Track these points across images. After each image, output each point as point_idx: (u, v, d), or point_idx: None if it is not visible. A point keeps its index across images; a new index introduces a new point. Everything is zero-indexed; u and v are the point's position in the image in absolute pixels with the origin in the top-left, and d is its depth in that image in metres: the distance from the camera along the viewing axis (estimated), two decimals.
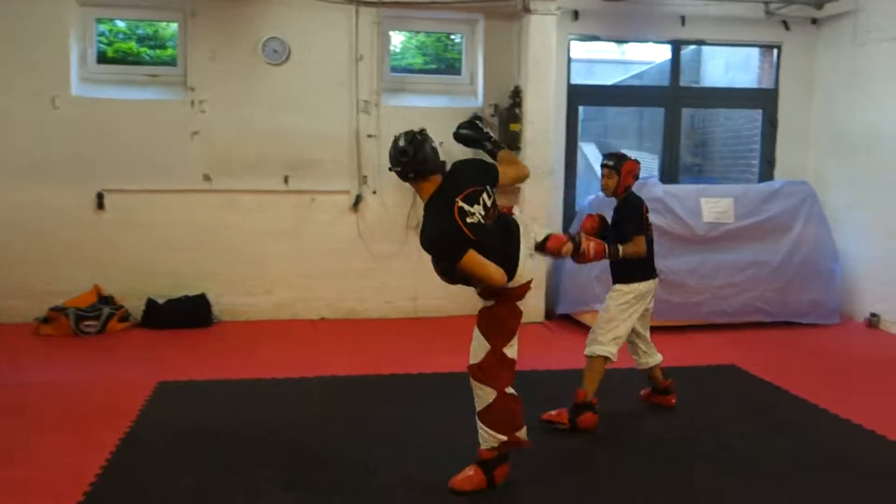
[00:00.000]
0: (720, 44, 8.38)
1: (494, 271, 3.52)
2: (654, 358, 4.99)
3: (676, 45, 7.97)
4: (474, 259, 3.47)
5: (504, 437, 3.79)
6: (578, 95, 7.77)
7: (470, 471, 3.81)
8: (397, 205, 7.42)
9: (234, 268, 7.29)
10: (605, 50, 11.27)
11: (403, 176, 3.68)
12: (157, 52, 7.63)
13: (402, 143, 3.65)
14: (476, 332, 3.81)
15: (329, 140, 7.27)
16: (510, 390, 3.78)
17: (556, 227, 7.71)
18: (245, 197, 7.26)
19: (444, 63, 8.16)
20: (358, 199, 7.36)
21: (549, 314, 7.47)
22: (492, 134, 4.12)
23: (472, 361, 3.79)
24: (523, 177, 3.97)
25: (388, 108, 7.35)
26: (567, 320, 7.31)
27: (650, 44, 8.68)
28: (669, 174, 8.02)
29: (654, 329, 6.88)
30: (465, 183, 3.60)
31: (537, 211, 7.18)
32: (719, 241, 7.14)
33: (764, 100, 8.23)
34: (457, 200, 3.50)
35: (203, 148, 7.14)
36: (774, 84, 8.19)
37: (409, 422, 4.71)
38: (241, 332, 6.90)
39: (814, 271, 7.31)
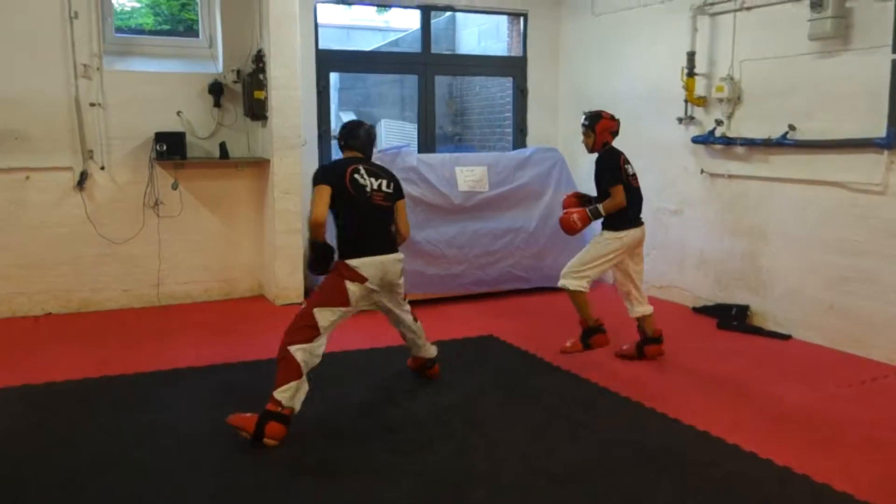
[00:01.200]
0: (469, 10, 8.32)
1: (318, 208, 4.14)
2: (645, 308, 5.32)
3: (426, 11, 7.80)
4: (322, 191, 4.17)
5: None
6: (328, 61, 7.37)
7: (248, 414, 3.92)
8: (131, 182, 6.65)
9: None
10: (364, 18, 10.97)
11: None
12: None
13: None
14: None
15: (43, 109, 6.31)
16: (296, 350, 3.95)
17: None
18: None
19: (183, 25, 7.42)
20: (83, 177, 6.48)
21: (308, 293, 7.08)
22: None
23: None
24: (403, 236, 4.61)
25: (112, 73, 6.51)
26: None
27: (403, 10, 8.46)
28: (426, 143, 7.90)
29: (414, 303, 6.84)
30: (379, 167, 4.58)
31: (288, 182, 6.75)
32: (475, 209, 7.10)
33: (513, 68, 8.32)
34: (360, 166, 4.35)
35: None
36: (523, 52, 8.30)
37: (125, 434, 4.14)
38: None
39: (560, 236, 7.48)
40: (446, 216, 6.93)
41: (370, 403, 4.54)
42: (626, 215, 5.15)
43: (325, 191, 4.17)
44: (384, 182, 4.40)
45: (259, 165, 6.99)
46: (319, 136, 7.37)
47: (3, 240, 6.33)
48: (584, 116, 5.28)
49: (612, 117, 5.21)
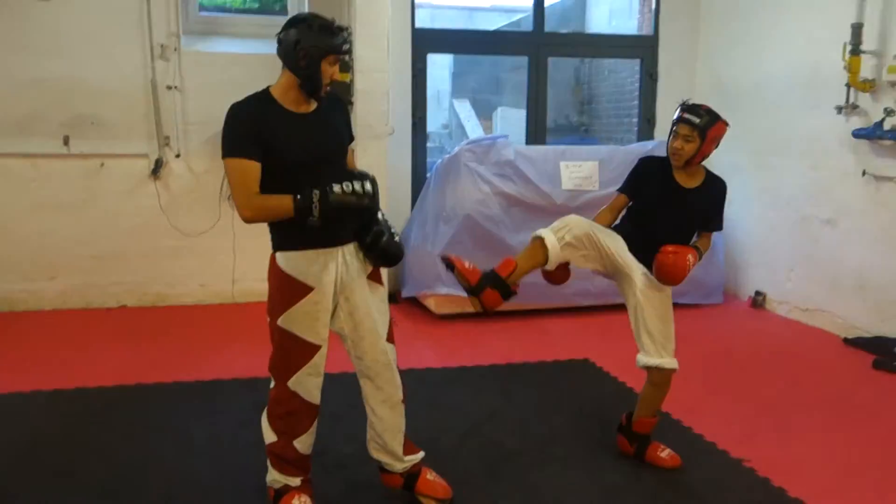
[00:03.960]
0: None
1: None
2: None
3: None
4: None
5: (274, 438, 2.96)
6: (425, 41, 6.64)
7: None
8: (208, 171, 6.20)
9: (5, 249, 5.99)
10: None
11: None
12: None
13: None
14: None
15: (118, 93, 5.97)
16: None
17: (405, 195, 6.67)
18: (14, 162, 5.93)
19: (279, 4, 6.95)
20: (158, 165, 6.12)
21: (394, 297, 6.42)
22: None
23: None
24: None
25: (191, 54, 6.08)
26: (413, 304, 6.29)
27: None
28: (535, 134, 7.02)
29: (507, 314, 6.04)
30: None
31: (374, 176, 6.08)
32: (582, 211, 6.07)
33: (641, 48, 7.26)
34: None
35: None
36: (654, 30, 7.22)
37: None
38: (8, 327, 5.67)
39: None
40: (547, 218, 5.96)
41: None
42: None
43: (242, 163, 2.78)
44: None
45: None
46: (413, 125, 6.67)
47: (77, 229, 6.06)
48: (688, 108, 3.36)
49: (727, 123, 3.43)
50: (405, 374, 4.64)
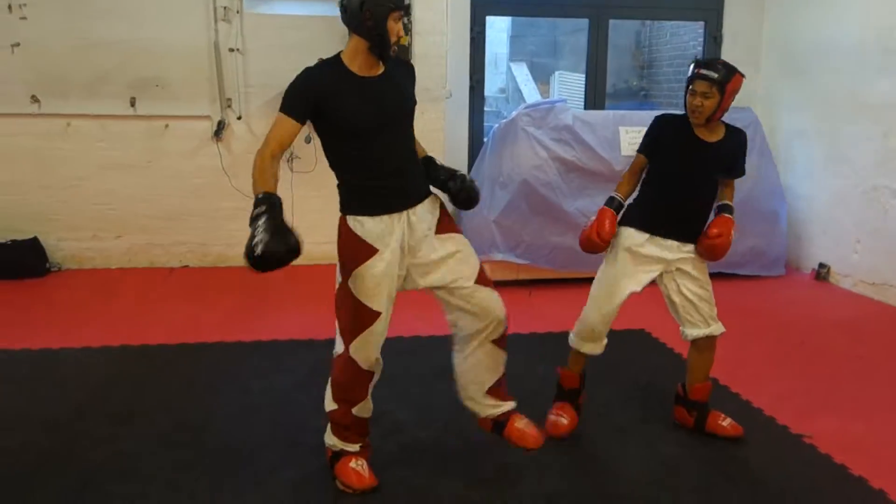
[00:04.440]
0: None
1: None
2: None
3: None
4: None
5: (334, 406, 3.03)
6: (484, 3, 6.55)
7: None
8: None
9: (75, 207, 6.20)
10: None
11: None
12: None
13: None
14: None
15: (183, 54, 6.07)
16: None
17: (462, 159, 6.65)
18: (83, 123, 6.09)
19: None
20: (220, 126, 6.21)
21: None
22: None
23: None
24: None
25: (253, 17, 6.14)
26: None
27: None
28: (594, 99, 6.91)
29: (562, 282, 6.01)
30: None
31: (428, 140, 6.05)
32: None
33: (706, 11, 7.04)
34: None
35: (27, 63, 5.93)
36: None
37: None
38: (78, 283, 5.88)
39: (756, 214, 6.23)
40: (606, 184, 5.90)
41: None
42: None
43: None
44: None
45: None
46: (471, 88, 6.62)
47: (140, 190, 6.22)
48: (704, 63, 3.26)
49: (743, 74, 3.30)
50: None
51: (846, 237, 6.05)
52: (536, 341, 4.81)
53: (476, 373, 3.05)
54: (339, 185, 2.95)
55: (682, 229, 3.40)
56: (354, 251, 2.85)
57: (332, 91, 2.74)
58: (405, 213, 2.87)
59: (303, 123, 2.75)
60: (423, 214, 2.93)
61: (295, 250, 2.70)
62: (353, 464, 3.04)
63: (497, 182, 5.93)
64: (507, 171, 5.89)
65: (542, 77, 9.76)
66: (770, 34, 6.92)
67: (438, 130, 6.13)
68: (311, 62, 6.04)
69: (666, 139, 3.41)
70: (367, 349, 2.91)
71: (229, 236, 6.37)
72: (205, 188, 6.28)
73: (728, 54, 7.00)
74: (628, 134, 5.98)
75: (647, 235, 3.41)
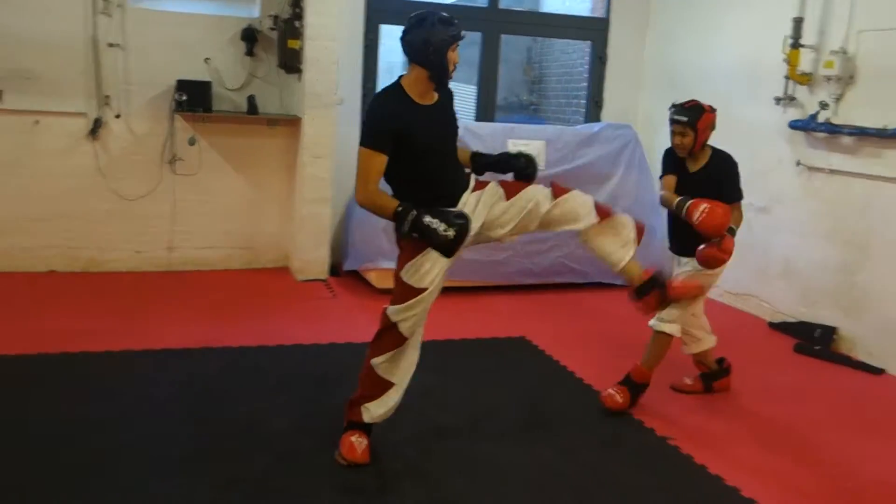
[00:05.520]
0: None
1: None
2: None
3: None
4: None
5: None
6: (379, 11, 6.56)
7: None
8: (149, 133, 6.07)
9: None
10: None
11: None
12: None
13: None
14: None
15: (57, 47, 5.76)
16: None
17: (352, 167, 6.59)
18: None
19: None
20: (97, 124, 5.94)
21: (335, 270, 6.40)
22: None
23: None
24: None
25: (136, 11, 5.91)
26: (355, 278, 6.27)
27: None
28: (485, 111, 7.04)
29: (453, 290, 6.07)
30: None
31: (319, 146, 6.06)
32: None
33: (593, 31, 7.30)
34: None
35: None
36: (606, 13, 7.27)
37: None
38: None
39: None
40: None
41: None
42: None
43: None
44: None
45: (292, 124, 6.29)
46: (364, 96, 6.61)
47: (6, 189, 5.86)
48: (676, 110, 3.96)
49: (713, 108, 3.99)
50: (344, 347, 4.72)
51: None
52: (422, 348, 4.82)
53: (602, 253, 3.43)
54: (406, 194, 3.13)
55: (684, 246, 4.08)
56: (411, 248, 3.15)
57: (407, 123, 3.02)
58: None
59: (388, 154, 3.01)
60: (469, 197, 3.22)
61: (465, 216, 3.04)
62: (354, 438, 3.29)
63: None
64: None
65: None
66: (650, 56, 7.24)
67: (329, 136, 6.08)
68: (198, 62, 5.99)
69: (672, 167, 4.08)
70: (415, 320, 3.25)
71: (103, 240, 6.09)
72: (77, 189, 5.98)
73: (612, 74, 7.30)
74: (516, 147, 6.10)
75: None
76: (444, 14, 3.07)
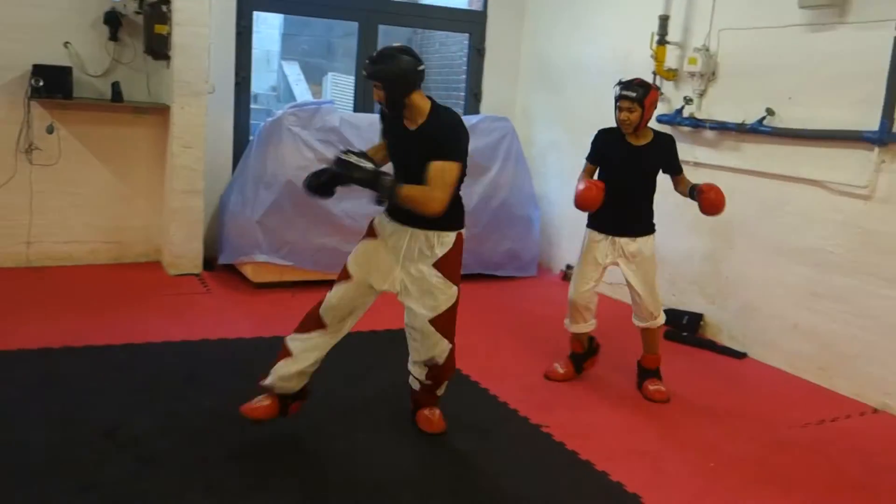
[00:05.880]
0: None
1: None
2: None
3: None
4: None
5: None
6: None
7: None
8: (4, 121, 5.65)
9: None
10: None
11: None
12: None
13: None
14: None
15: None
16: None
17: (227, 157, 6.41)
18: None
19: None
20: None
21: (210, 264, 6.19)
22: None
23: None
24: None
25: None
26: (231, 272, 6.08)
27: None
28: (364, 102, 6.97)
29: (328, 283, 5.98)
30: None
31: (189, 135, 5.83)
32: None
33: (471, 23, 7.36)
34: None
35: None
36: (483, 6, 7.33)
37: None
38: None
39: (512, 219, 6.62)
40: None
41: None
42: None
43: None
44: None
45: (160, 113, 6.02)
46: (237, 84, 6.41)
47: None
48: (624, 86, 4.10)
49: (658, 87, 4.30)
50: (216, 343, 4.57)
51: None
52: None
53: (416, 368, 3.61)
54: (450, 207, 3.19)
55: (624, 226, 4.28)
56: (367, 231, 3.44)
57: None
58: (408, 230, 3.31)
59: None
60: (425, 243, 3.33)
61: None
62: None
63: (262, 181, 5.79)
64: (271, 170, 5.77)
65: (315, 78, 9.69)
66: (527, 50, 7.35)
67: (199, 126, 5.85)
68: (58, 46, 5.65)
69: (606, 147, 4.24)
70: (331, 299, 3.39)
71: None
72: None
73: (490, 66, 7.37)
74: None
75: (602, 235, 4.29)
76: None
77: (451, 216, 3.27)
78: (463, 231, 3.42)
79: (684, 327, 5.41)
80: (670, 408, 4.18)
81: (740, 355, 5.09)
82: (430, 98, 3.31)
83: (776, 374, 4.78)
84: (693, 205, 5.53)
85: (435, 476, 3.27)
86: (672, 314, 5.56)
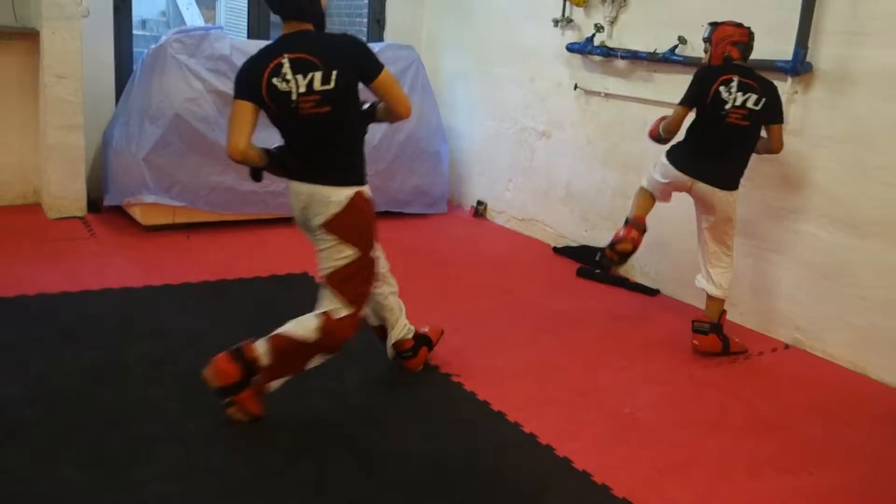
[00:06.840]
0: None
1: (232, 136, 2.94)
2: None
3: None
4: (239, 110, 2.95)
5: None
6: None
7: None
8: None
9: None
10: None
11: None
12: None
13: None
14: None
15: None
16: None
17: (108, 88, 5.86)
18: None
19: None
20: None
21: (96, 206, 5.71)
22: None
23: None
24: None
25: None
26: (118, 214, 5.63)
27: None
28: (258, 28, 6.48)
29: (223, 224, 5.64)
30: None
31: (63, 64, 5.29)
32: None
33: None
34: (284, 58, 2.83)
35: None
36: None
37: None
38: None
39: (419, 153, 6.32)
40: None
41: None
42: (684, 149, 4.11)
43: (244, 109, 2.89)
44: (318, 76, 2.82)
45: (29, 38, 5.43)
46: (116, 8, 5.82)
47: None
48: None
49: (739, 24, 3.92)
50: (99, 294, 4.20)
51: (500, 176, 6.37)
52: (191, 291, 4.40)
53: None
54: (353, 158, 3.05)
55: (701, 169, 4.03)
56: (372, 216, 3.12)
57: None
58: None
59: None
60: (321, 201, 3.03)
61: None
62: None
63: (146, 115, 5.31)
64: (156, 103, 5.29)
65: (208, 3, 9.01)
66: None
67: (74, 53, 5.31)
68: None
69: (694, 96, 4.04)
70: None
71: None
72: None
73: None
74: None
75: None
76: None
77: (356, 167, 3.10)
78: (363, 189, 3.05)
79: (597, 264, 5.31)
80: (581, 349, 4.07)
81: (653, 292, 5.03)
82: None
83: (689, 310, 4.73)
84: (606, 136, 5.42)
85: (334, 434, 3.06)
86: (585, 251, 5.47)
